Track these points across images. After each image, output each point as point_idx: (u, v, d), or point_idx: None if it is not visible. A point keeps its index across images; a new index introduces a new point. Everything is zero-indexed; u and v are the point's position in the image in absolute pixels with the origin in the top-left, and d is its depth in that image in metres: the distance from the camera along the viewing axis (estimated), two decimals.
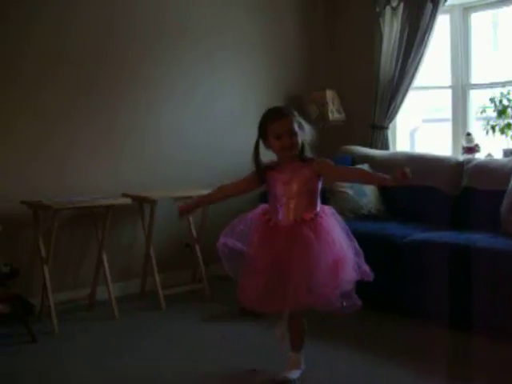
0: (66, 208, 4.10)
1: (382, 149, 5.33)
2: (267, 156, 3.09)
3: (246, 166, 3.12)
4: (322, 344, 3.54)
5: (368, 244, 3.05)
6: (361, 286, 2.96)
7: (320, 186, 3.06)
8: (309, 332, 3.16)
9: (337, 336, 3.67)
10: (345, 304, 2.90)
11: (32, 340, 3.74)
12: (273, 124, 2.96)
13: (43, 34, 4.31)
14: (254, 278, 2.96)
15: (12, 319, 3.84)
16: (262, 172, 3.05)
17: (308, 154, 3.02)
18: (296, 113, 3.02)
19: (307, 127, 3.03)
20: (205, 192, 4.57)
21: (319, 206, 3.05)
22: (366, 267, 2.97)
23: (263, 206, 3.15)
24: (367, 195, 4.69)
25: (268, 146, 3.02)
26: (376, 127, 5.43)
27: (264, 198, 3.28)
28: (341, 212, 4.35)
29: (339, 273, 2.90)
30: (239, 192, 3.24)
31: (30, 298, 4.10)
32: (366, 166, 4.87)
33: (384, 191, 4.72)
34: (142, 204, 4.58)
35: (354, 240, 3.02)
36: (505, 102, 4.77)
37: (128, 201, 4.37)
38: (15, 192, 4.13)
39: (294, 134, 2.94)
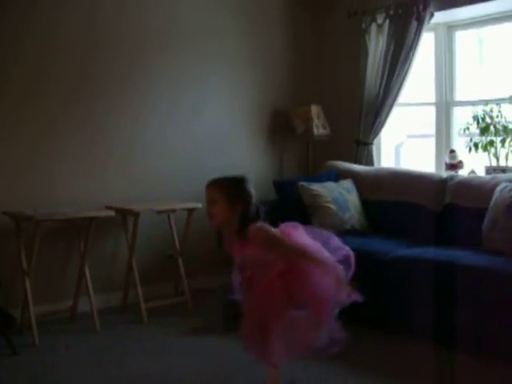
0: (49, 219, 4.07)
1: (366, 164, 5.36)
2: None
3: None
4: (303, 360, 3.52)
5: None
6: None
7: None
8: None
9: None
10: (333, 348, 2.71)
11: (13, 353, 3.71)
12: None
13: (32, 45, 4.31)
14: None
15: None
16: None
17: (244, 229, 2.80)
18: (233, 185, 2.92)
19: (248, 201, 2.86)
20: (189, 204, 4.61)
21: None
22: (351, 287, 2.84)
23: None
24: (350, 210, 4.69)
25: None
26: (361, 143, 5.45)
27: None
28: (323, 227, 4.37)
29: (321, 316, 2.76)
30: None
31: (11, 310, 4.05)
32: (350, 182, 4.90)
33: (367, 207, 4.74)
34: (125, 216, 4.57)
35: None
36: (487, 120, 4.82)
37: (111, 213, 4.35)
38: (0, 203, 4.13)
39: (213, 203, 2.88)
